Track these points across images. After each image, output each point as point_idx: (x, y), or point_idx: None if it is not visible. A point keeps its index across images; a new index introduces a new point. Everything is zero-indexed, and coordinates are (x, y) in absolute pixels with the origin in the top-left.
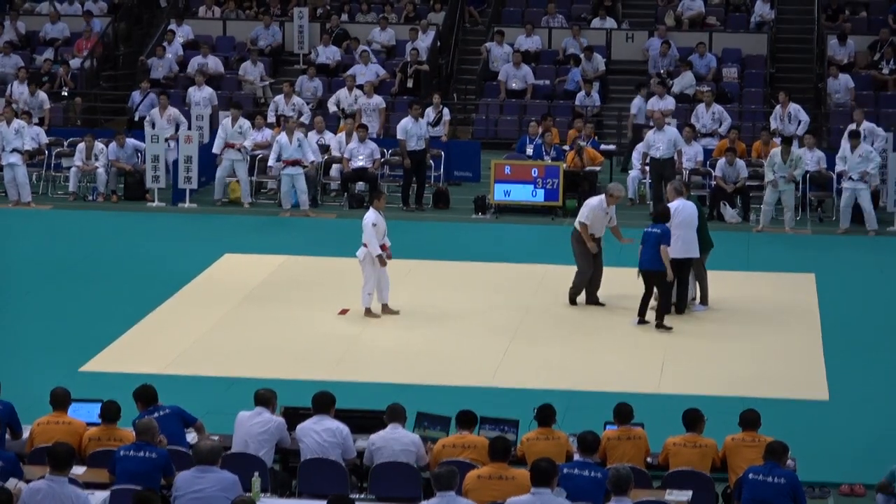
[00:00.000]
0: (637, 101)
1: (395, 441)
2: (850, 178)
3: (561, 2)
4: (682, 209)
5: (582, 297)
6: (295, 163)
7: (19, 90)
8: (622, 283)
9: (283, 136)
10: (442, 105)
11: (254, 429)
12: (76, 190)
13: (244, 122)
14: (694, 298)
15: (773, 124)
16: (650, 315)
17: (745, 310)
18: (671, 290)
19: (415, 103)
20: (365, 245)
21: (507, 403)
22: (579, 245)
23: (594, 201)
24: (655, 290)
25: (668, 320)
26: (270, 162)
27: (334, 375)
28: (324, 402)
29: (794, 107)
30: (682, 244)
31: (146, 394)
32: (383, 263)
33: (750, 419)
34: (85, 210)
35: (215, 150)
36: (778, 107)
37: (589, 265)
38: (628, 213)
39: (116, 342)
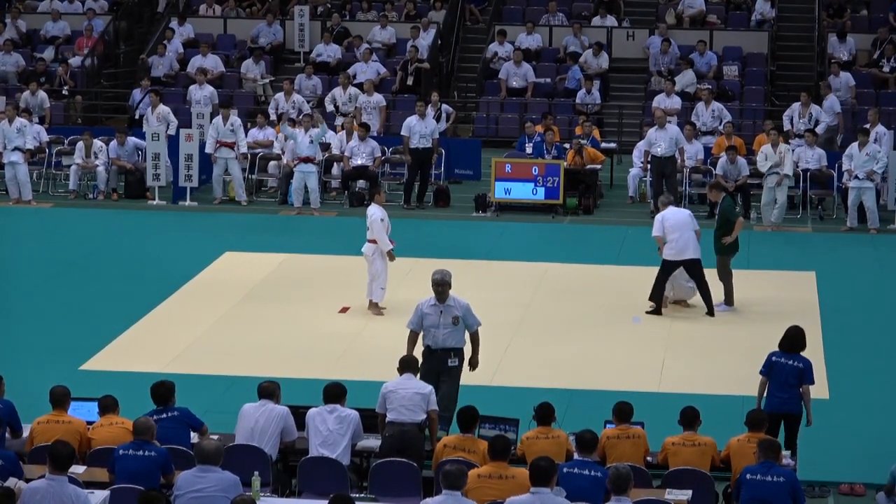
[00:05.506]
0: None
1: (410, 386)
2: (856, 176)
3: (562, 0)
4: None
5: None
6: (307, 160)
7: None
8: (622, 281)
9: (298, 133)
10: (440, 102)
11: (260, 418)
12: (76, 188)
13: (236, 120)
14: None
15: (787, 124)
16: None
17: (745, 308)
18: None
19: (420, 101)
20: (370, 241)
21: (507, 402)
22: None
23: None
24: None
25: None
26: (287, 158)
27: (334, 374)
28: (334, 393)
29: (815, 108)
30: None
31: (156, 392)
32: (392, 258)
33: (756, 420)
34: (85, 208)
35: (208, 149)
36: (797, 105)
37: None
38: (628, 212)
39: (116, 340)
